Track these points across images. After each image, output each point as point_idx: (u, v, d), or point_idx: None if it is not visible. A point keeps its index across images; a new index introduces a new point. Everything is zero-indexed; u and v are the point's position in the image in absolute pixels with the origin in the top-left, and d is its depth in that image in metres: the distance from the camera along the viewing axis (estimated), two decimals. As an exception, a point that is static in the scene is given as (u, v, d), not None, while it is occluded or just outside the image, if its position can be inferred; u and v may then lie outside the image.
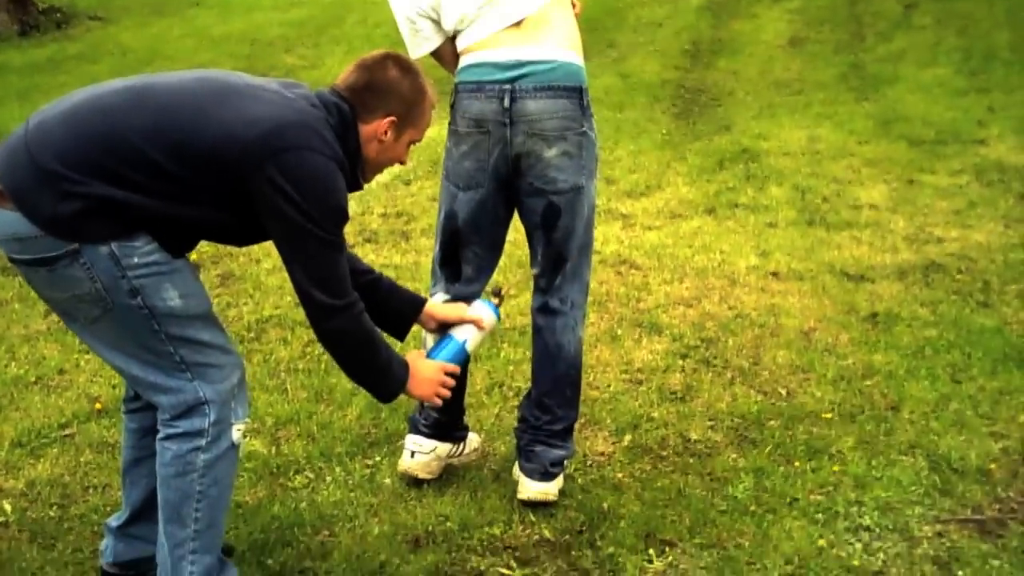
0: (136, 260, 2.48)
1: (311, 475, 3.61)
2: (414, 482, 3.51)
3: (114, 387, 4.15)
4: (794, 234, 5.96)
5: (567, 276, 3.35)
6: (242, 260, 5.64)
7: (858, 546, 3.17)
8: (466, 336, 3.07)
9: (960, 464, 3.58)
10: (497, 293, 3.19)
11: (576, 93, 3.19)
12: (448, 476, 3.56)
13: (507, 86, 3.15)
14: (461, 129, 3.24)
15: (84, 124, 2.48)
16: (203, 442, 2.63)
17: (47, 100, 2.67)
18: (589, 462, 3.67)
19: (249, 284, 5.34)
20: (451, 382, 2.95)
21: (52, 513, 3.40)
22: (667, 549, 3.18)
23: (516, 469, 3.46)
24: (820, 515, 3.32)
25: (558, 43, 3.19)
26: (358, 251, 5.70)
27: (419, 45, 3.30)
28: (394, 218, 6.41)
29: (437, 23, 3.25)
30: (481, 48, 3.19)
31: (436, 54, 3.33)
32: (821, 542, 3.18)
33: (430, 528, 3.29)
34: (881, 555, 3.13)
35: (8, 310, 5.07)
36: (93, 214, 2.42)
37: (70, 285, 2.49)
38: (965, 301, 4.96)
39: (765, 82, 10.06)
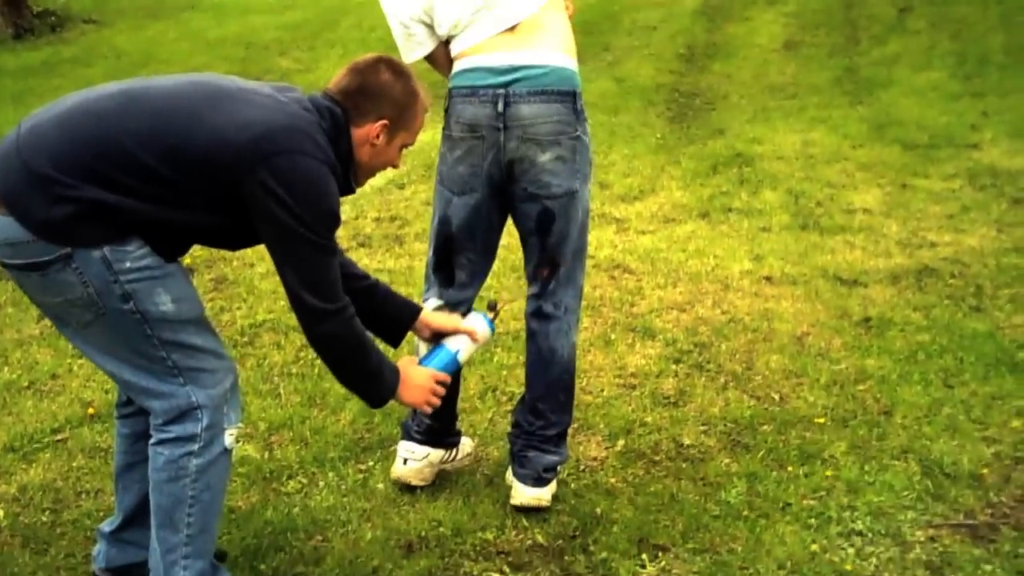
0: (128, 264, 2.48)
1: (304, 480, 3.61)
2: (407, 487, 3.51)
3: (107, 392, 4.15)
4: (788, 238, 5.97)
5: (561, 281, 3.35)
6: (236, 264, 5.64)
7: (851, 551, 3.17)
8: (459, 347, 3.06)
9: (952, 469, 3.58)
10: (493, 307, 3.19)
11: (570, 97, 3.19)
12: (441, 481, 3.56)
13: (501, 91, 3.14)
14: (455, 134, 3.24)
15: (77, 128, 2.48)
16: (196, 447, 2.63)
17: (41, 103, 2.67)
18: (582, 467, 3.67)
19: (243, 288, 5.34)
20: (441, 390, 2.95)
21: (45, 518, 3.40)
22: (660, 554, 3.18)
23: (509, 474, 3.46)
24: (813, 520, 3.32)
25: (552, 47, 3.19)
26: (351, 255, 5.70)
27: (412, 50, 3.30)
28: (388, 222, 6.41)
29: (431, 27, 3.25)
30: (475, 53, 3.19)
31: (430, 58, 3.33)
32: (814, 547, 3.18)
33: (423, 533, 3.29)
34: (873, 560, 3.13)
35: (1, 315, 5.07)
36: (85, 218, 2.42)
37: (62, 290, 2.49)
38: (958, 306, 4.97)
39: (759, 86, 10.07)
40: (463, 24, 3.19)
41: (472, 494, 3.51)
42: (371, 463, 3.70)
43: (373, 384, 2.80)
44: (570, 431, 3.58)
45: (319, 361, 2.75)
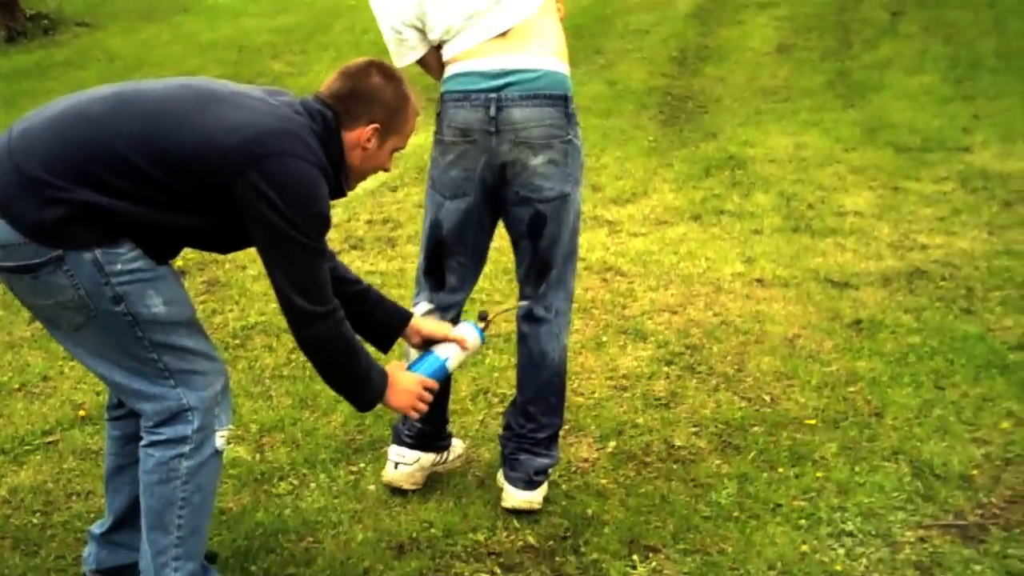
0: (120, 267, 2.48)
1: (295, 482, 3.61)
2: (398, 490, 3.51)
3: (98, 394, 4.15)
4: (779, 241, 5.98)
5: (552, 284, 3.35)
6: (228, 267, 5.64)
7: (841, 552, 3.18)
8: (448, 354, 3.06)
9: (943, 470, 3.60)
10: (483, 317, 3.20)
11: (561, 101, 3.20)
12: (432, 483, 3.56)
13: (493, 95, 3.15)
14: (447, 138, 3.24)
15: (69, 131, 2.49)
16: (186, 449, 2.63)
17: (34, 106, 2.67)
18: (573, 468, 3.68)
19: (234, 291, 5.34)
20: (429, 396, 2.94)
21: (35, 520, 3.40)
22: (651, 555, 3.19)
23: (500, 476, 3.47)
24: (803, 521, 3.33)
25: (544, 52, 3.20)
26: (344, 258, 5.71)
27: (404, 55, 3.30)
28: (380, 225, 6.42)
29: (422, 32, 3.25)
30: (467, 58, 3.19)
31: (421, 62, 3.34)
32: (804, 548, 3.19)
33: (414, 534, 3.29)
34: (864, 560, 3.14)
35: (-7, 317, 5.07)
36: (77, 220, 2.43)
37: (53, 292, 2.49)
38: (949, 308, 4.98)
39: (752, 89, 10.08)
40: (455, 29, 3.19)
41: (463, 495, 3.51)
42: (362, 465, 3.70)
43: (361, 388, 2.80)
44: (561, 433, 3.59)
45: (310, 363, 2.77)
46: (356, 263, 5.68)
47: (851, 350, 4.55)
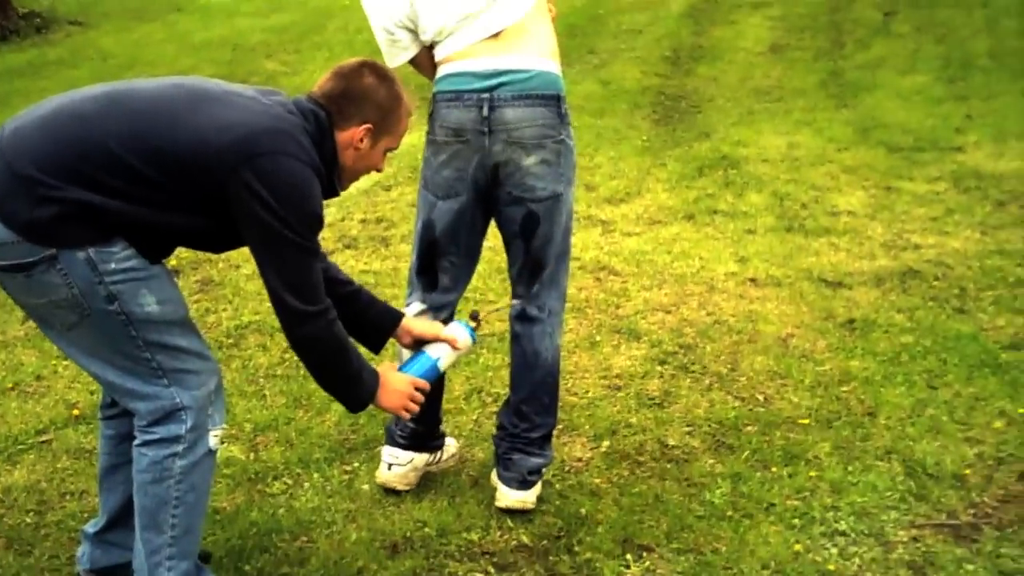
0: (113, 266, 2.48)
1: (289, 481, 3.61)
2: (392, 490, 3.51)
3: (92, 393, 4.14)
4: (772, 240, 5.98)
5: (545, 283, 3.36)
6: (221, 266, 5.63)
7: (834, 551, 3.19)
8: (440, 354, 3.06)
9: (935, 469, 3.61)
10: (475, 316, 3.20)
11: (554, 101, 3.20)
12: (426, 482, 3.56)
13: (485, 95, 3.15)
14: (440, 138, 3.24)
15: (61, 130, 2.48)
16: (180, 448, 2.63)
17: (26, 105, 2.67)
18: (567, 468, 3.68)
19: (228, 290, 5.34)
20: (420, 397, 2.94)
21: (29, 519, 3.40)
22: (644, 554, 3.19)
23: (494, 476, 3.47)
24: (796, 520, 3.34)
25: (536, 52, 3.20)
26: (338, 257, 5.71)
27: (396, 55, 3.30)
28: (374, 224, 6.41)
29: (414, 33, 3.25)
30: (460, 58, 3.19)
31: (414, 62, 3.34)
32: (797, 547, 3.20)
33: (408, 534, 3.29)
34: (856, 560, 3.15)
35: (-14, 316, 5.06)
36: (70, 219, 2.43)
37: (47, 291, 2.49)
38: (942, 307, 4.99)
39: (745, 89, 10.09)
40: (448, 31, 3.19)
41: (457, 495, 3.51)
42: (356, 464, 3.70)
43: (352, 388, 2.79)
44: (555, 432, 3.58)
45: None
46: (350, 262, 5.68)
47: (844, 350, 4.56)
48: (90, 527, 2.99)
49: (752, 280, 5.39)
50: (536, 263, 3.32)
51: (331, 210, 6.41)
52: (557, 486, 3.56)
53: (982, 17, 11.98)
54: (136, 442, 2.66)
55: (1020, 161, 7.45)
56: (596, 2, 13.63)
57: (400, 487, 3.50)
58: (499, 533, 3.31)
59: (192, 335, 2.68)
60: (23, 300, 2.60)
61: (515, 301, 3.38)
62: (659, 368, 4.42)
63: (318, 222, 2.60)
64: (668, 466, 3.68)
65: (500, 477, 3.41)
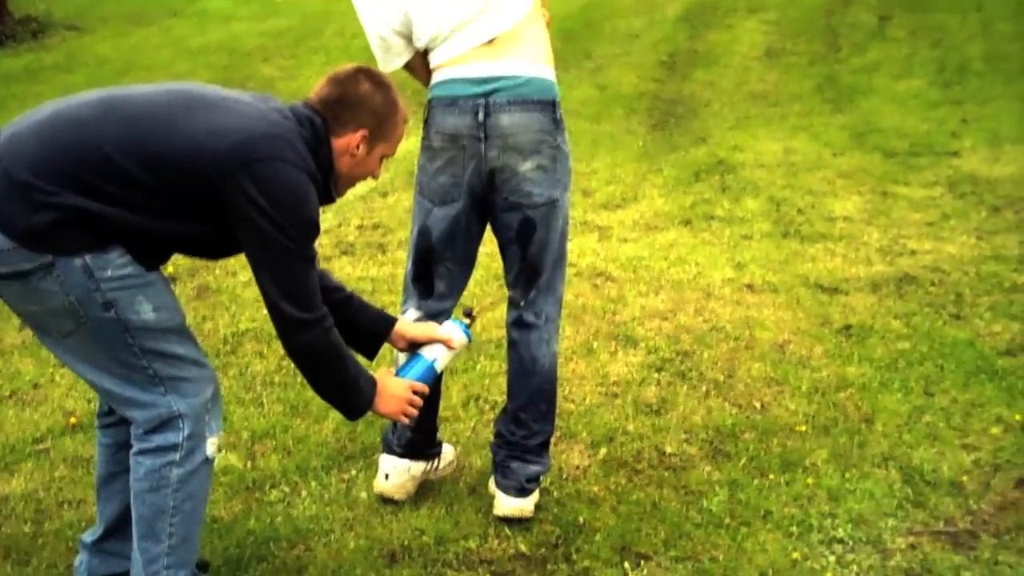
0: (110, 273, 2.48)
1: (287, 489, 3.61)
2: (390, 499, 3.51)
3: (89, 402, 4.14)
4: (769, 246, 5.99)
5: (541, 290, 3.36)
6: (218, 273, 5.63)
7: (831, 558, 3.19)
8: (435, 355, 3.06)
9: (933, 476, 3.61)
10: (468, 313, 3.19)
11: (549, 107, 3.20)
12: (424, 490, 3.56)
13: (481, 100, 3.15)
14: (435, 144, 3.24)
15: (57, 135, 2.48)
16: (177, 456, 2.63)
17: (23, 110, 2.67)
18: (565, 475, 3.68)
19: (225, 297, 5.33)
20: (418, 400, 2.94)
21: (26, 529, 3.39)
22: (642, 562, 3.19)
23: (492, 484, 3.47)
24: (794, 528, 3.34)
25: (530, 58, 3.20)
26: (334, 263, 5.71)
27: (390, 61, 3.30)
28: (371, 230, 6.41)
29: (408, 39, 3.25)
30: (454, 64, 3.19)
31: (408, 66, 3.34)
32: (795, 555, 3.20)
33: (406, 542, 3.29)
34: (854, 567, 3.15)
35: (-18, 323, 5.05)
36: (67, 225, 2.42)
37: (44, 298, 2.49)
38: (938, 313, 4.99)
39: (741, 94, 10.10)
40: (442, 37, 3.19)
41: (455, 503, 3.51)
42: (354, 472, 3.70)
43: (350, 395, 2.79)
44: (552, 440, 3.58)
45: (299, 370, 2.78)
46: (347, 269, 5.68)
47: (841, 356, 4.56)
48: (88, 536, 2.98)
49: (749, 286, 5.39)
50: (532, 269, 3.32)
51: (328, 216, 6.41)
52: (555, 494, 3.56)
53: (977, 21, 12.00)
54: (133, 450, 2.65)
55: (1015, 166, 7.47)
56: (592, 6, 13.65)
57: (397, 496, 3.49)
58: (497, 541, 3.31)
59: (189, 342, 2.68)
60: (20, 308, 2.60)
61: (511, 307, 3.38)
62: (656, 375, 4.42)
63: (314, 228, 2.60)
64: (665, 474, 3.68)
65: (498, 485, 3.41)
